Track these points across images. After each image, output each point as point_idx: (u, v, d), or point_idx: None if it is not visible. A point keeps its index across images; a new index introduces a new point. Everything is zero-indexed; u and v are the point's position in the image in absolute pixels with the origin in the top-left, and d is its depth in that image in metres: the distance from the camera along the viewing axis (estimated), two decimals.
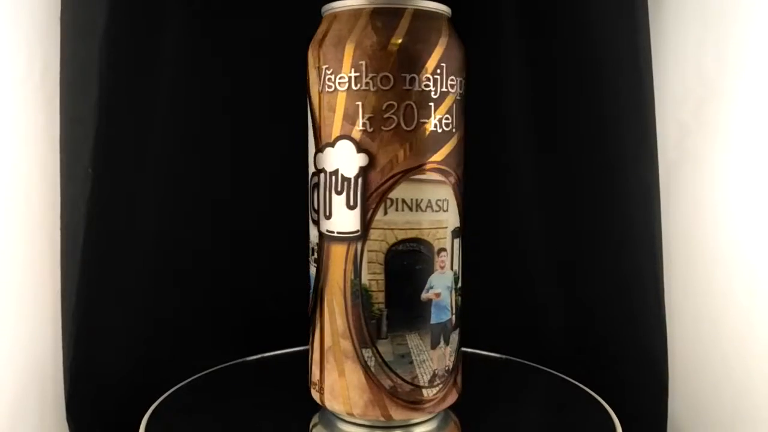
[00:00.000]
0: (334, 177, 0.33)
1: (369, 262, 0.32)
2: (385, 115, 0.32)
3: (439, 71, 0.32)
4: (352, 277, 0.33)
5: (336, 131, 0.32)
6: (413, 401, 0.33)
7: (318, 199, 0.34)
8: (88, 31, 0.42)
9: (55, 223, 0.44)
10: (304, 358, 0.37)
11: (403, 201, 0.32)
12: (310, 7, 0.35)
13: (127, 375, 0.45)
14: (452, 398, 0.35)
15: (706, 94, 0.47)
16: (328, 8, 0.34)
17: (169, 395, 0.41)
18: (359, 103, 0.32)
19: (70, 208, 0.44)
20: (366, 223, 0.32)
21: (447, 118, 0.33)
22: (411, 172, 0.32)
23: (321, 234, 0.34)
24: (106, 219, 0.43)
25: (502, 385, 0.45)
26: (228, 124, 0.49)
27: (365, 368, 0.33)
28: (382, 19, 0.32)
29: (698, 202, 0.48)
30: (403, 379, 0.33)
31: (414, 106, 0.32)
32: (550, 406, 0.44)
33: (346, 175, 0.32)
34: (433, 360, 0.34)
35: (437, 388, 0.34)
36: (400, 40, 0.32)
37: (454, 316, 0.34)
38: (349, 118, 0.32)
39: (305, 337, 0.36)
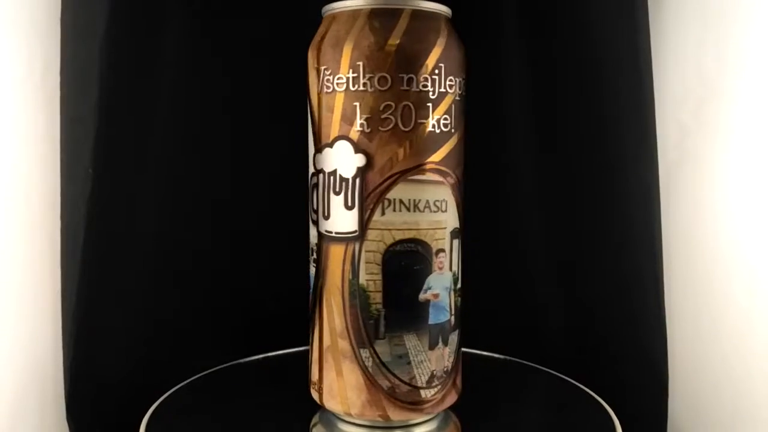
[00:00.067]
0: (332, 177, 0.33)
1: (367, 263, 0.32)
2: (383, 116, 0.32)
3: (437, 71, 0.32)
4: (350, 277, 0.33)
5: (334, 132, 0.32)
6: (411, 402, 0.33)
7: (317, 200, 0.34)
8: (89, 32, 0.42)
9: (55, 223, 0.44)
10: (304, 358, 0.37)
11: (401, 201, 0.32)
12: (311, 7, 0.35)
13: (127, 375, 0.45)
14: (451, 399, 0.35)
15: (706, 94, 0.47)
16: (327, 9, 0.34)
17: (169, 395, 0.41)
18: (357, 104, 0.32)
19: (70, 208, 0.44)
20: (364, 224, 0.32)
21: (446, 119, 0.33)
22: (409, 172, 0.32)
23: (320, 234, 0.34)
24: (106, 219, 0.44)
25: (502, 385, 0.45)
26: (228, 124, 0.49)
27: (363, 368, 0.33)
28: (380, 19, 0.32)
29: (698, 202, 0.48)
30: (400, 380, 0.33)
31: (412, 107, 0.32)
32: (550, 407, 0.44)
33: (344, 175, 0.32)
34: (431, 361, 0.33)
35: (436, 389, 0.34)
36: (397, 41, 0.31)
37: (453, 317, 0.34)
38: (347, 119, 0.32)
39: (305, 337, 0.36)
